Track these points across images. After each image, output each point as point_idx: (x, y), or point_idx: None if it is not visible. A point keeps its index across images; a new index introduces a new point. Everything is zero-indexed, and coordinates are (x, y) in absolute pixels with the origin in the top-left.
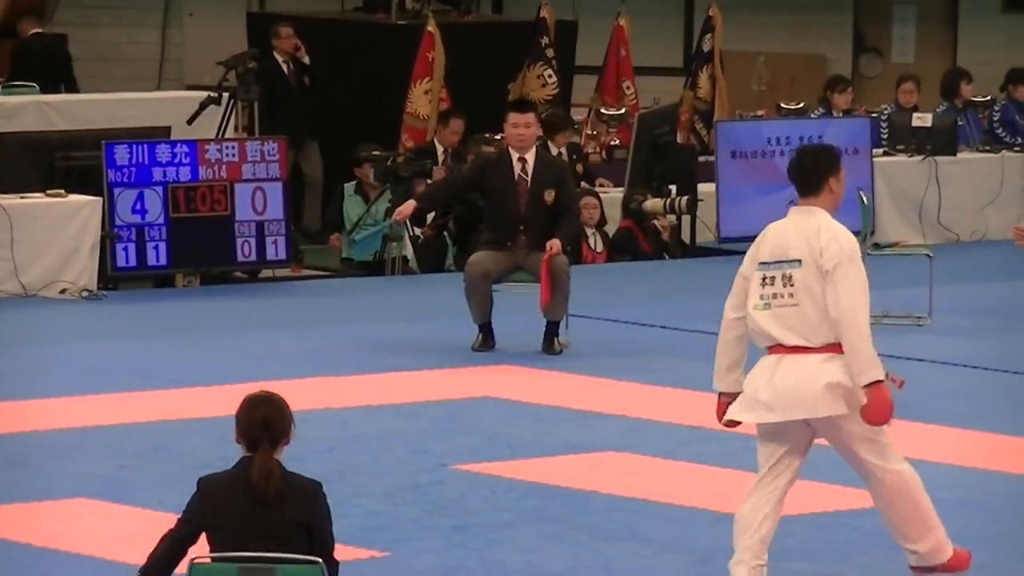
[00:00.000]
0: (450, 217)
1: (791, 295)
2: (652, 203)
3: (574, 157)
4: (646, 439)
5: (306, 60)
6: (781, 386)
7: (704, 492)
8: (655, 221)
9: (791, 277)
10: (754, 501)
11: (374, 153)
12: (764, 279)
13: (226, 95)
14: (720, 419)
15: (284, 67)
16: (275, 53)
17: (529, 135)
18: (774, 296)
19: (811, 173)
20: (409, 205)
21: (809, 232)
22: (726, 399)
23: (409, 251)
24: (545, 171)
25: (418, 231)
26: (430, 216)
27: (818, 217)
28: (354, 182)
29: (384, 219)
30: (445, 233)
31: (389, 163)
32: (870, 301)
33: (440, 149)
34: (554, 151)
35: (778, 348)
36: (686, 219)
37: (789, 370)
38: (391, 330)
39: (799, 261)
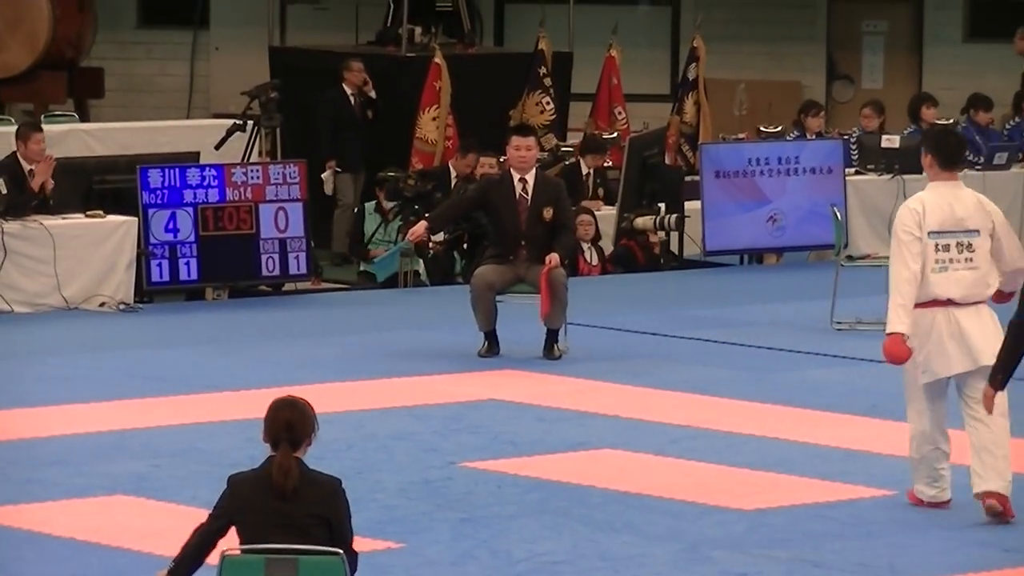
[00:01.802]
0: (461, 232)
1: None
2: (643, 220)
3: (598, 181)
4: (639, 437)
5: (372, 94)
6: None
7: (693, 486)
8: (647, 236)
9: (970, 244)
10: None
11: (389, 175)
12: (938, 246)
13: (250, 122)
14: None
15: (352, 99)
16: (344, 85)
17: (530, 157)
18: (951, 260)
19: (959, 151)
20: (421, 226)
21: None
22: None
23: (421, 265)
24: (544, 190)
25: (430, 246)
26: (439, 235)
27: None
28: (373, 201)
29: (396, 236)
30: (454, 250)
31: (400, 184)
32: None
33: (454, 174)
34: (584, 170)
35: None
36: (674, 234)
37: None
38: (404, 338)
39: (977, 231)
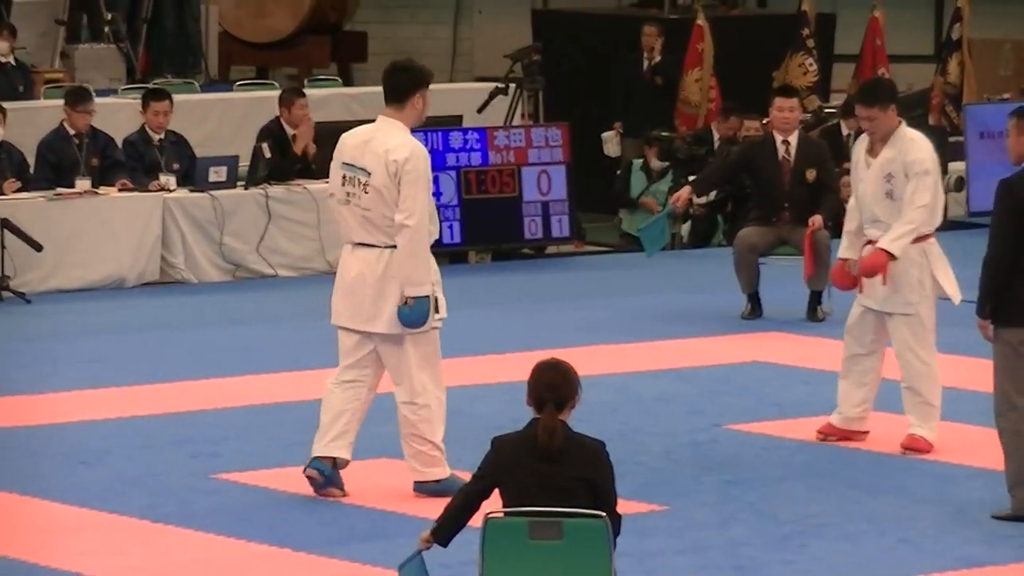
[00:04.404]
0: (725, 196)
1: None
2: None
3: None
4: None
5: (658, 59)
6: None
7: (960, 448)
8: None
9: None
10: None
11: (662, 134)
12: None
13: (513, 85)
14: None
15: (645, 63)
16: (640, 49)
17: (793, 118)
18: None
19: None
20: (685, 190)
21: None
22: None
23: (684, 228)
24: (807, 152)
25: (693, 210)
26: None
27: None
28: (640, 159)
29: (665, 199)
30: (717, 213)
31: (674, 145)
32: None
33: (716, 136)
34: (846, 131)
35: None
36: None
37: None
38: (667, 301)
39: None
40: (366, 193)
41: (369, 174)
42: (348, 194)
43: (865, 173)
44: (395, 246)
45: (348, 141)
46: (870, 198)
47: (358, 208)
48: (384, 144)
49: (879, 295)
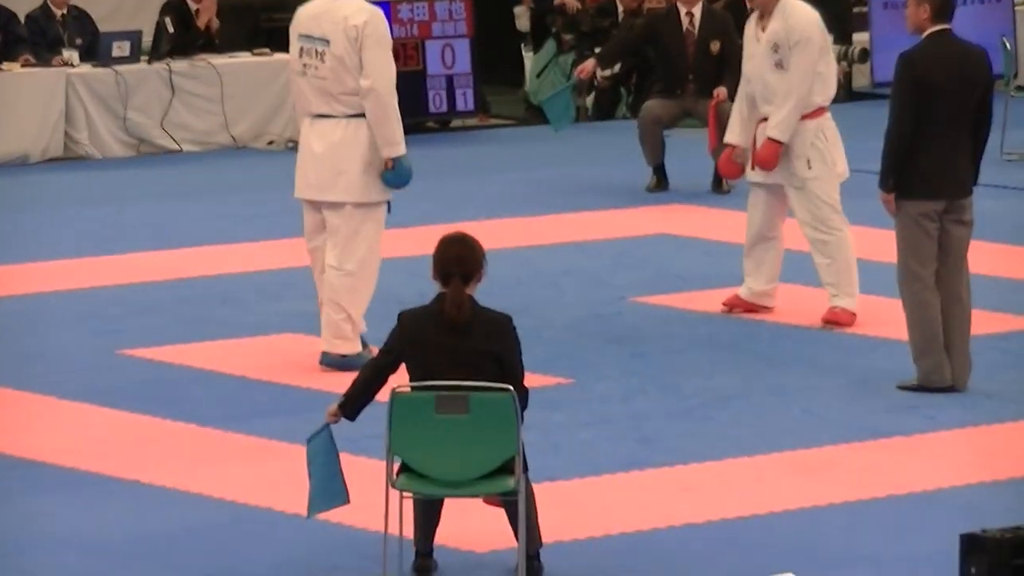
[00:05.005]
0: (630, 67)
1: None
2: None
3: None
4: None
5: None
6: None
7: (864, 319)
8: None
9: None
10: None
11: (562, 7)
12: None
13: None
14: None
15: None
16: None
17: None
18: None
19: None
20: (590, 62)
21: None
22: None
23: (588, 101)
24: (711, 24)
25: (597, 82)
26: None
27: None
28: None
29: (570, 72)
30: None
31: (577, 17)
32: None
33: (620, 9)
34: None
35: None
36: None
37: None
38: (571, 174)
39: None
40: (324, 63)
41: (328, 43)
42: (305, 65)
43: (755, 48)
44: (354, 115)
45: (303, 13)
46: (761, 72)
47: (316, 79)
48: (341, 11)
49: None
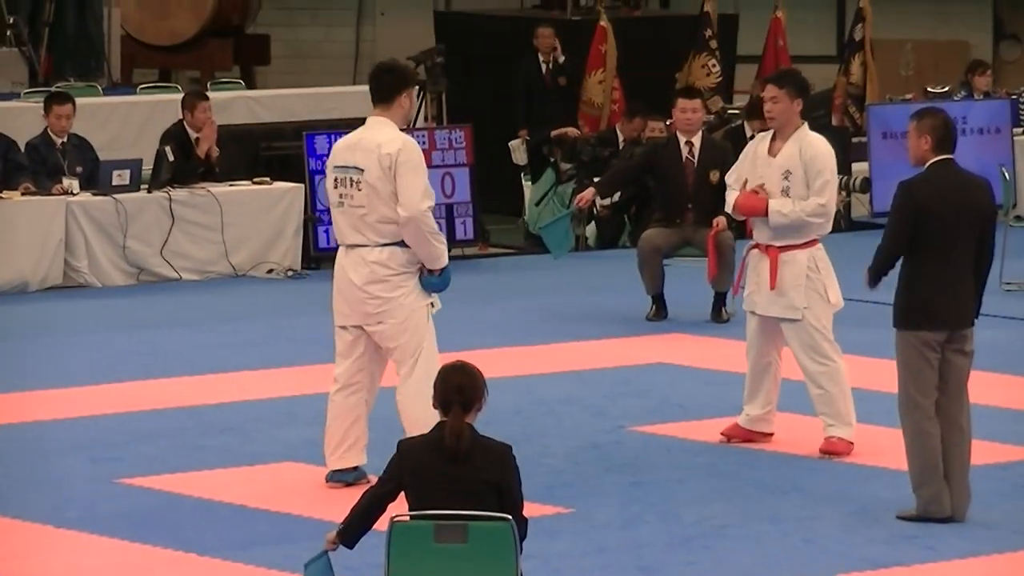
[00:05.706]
0: (631, 197)
1: None
2: None
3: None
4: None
5: (562, 59)
6: None
7: (862, 448)
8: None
9: None
10: None
11: (562, 136)
12: None
13: (416, 88)
14: None
15: (543, 66)
16: (537, 52)
17: (696, 119)
18: None
19: None
20: (589, 191)
21: None
22: None
23: (590, 230)
24: (711, 153)
25: (597, 211)
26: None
27: None
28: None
29: (569, 201)
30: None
31: (578, 146)
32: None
33: (621, 138)
34: (749, 132)
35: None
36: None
37: None
38: (571, 302)
39: None
40: (359, 191)
41: (362, 171)
42: (341, 196)
43: (766, 170)
44: (386, 244)
45: (338, 146)
46: (769, 192)
47: (351, 208)
48: (375, 140)
49: (764, 300)
